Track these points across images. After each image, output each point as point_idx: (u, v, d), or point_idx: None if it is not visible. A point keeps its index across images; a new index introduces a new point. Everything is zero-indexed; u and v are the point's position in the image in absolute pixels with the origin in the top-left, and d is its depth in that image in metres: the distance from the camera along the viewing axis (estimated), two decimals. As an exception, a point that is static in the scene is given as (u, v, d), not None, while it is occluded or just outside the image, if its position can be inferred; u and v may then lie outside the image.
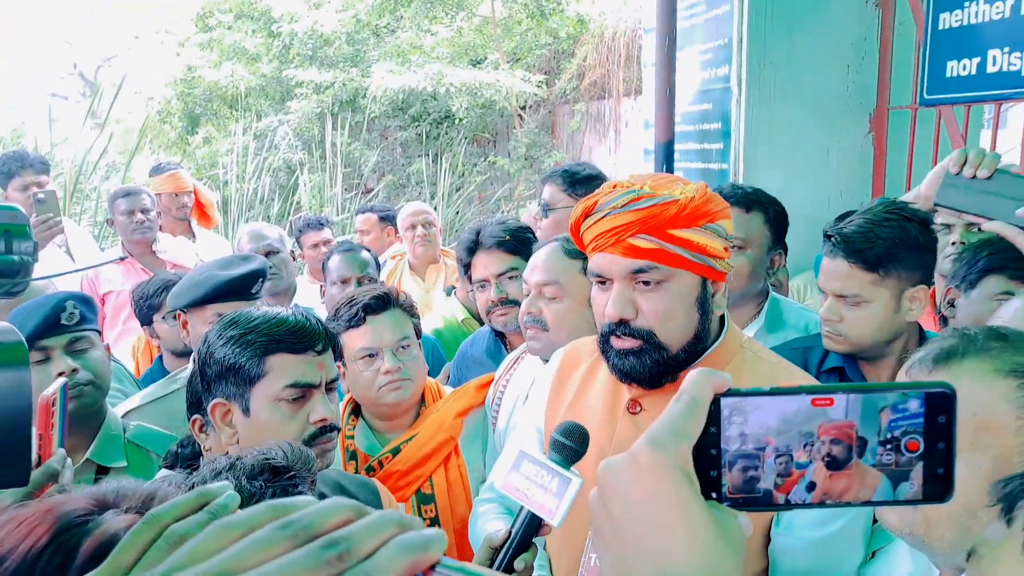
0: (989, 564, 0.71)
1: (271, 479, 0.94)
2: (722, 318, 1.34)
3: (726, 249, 1.27)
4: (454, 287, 3.34)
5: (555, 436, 1.03)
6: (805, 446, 0.50)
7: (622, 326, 1.26)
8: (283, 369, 1.29)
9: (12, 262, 0.59)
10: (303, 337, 1.31)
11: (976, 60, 2.74)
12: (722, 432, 0.52)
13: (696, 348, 1.28)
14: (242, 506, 0.52)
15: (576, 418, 1.13)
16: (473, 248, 2.17)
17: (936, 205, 1.69)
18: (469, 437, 1.84)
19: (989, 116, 3.41)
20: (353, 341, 1.78)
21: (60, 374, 1.60)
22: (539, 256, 1.77)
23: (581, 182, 2.45)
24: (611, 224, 1.23)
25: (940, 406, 0.50)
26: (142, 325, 2.61)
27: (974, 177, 1.63)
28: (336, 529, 0.38)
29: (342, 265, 2.69)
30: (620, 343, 1.26)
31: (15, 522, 0.62)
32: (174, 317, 2.34)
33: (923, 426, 0.50)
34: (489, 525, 1.48)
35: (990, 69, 2.68)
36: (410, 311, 1.84)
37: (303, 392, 1.31)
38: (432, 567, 0.37)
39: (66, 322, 1.68)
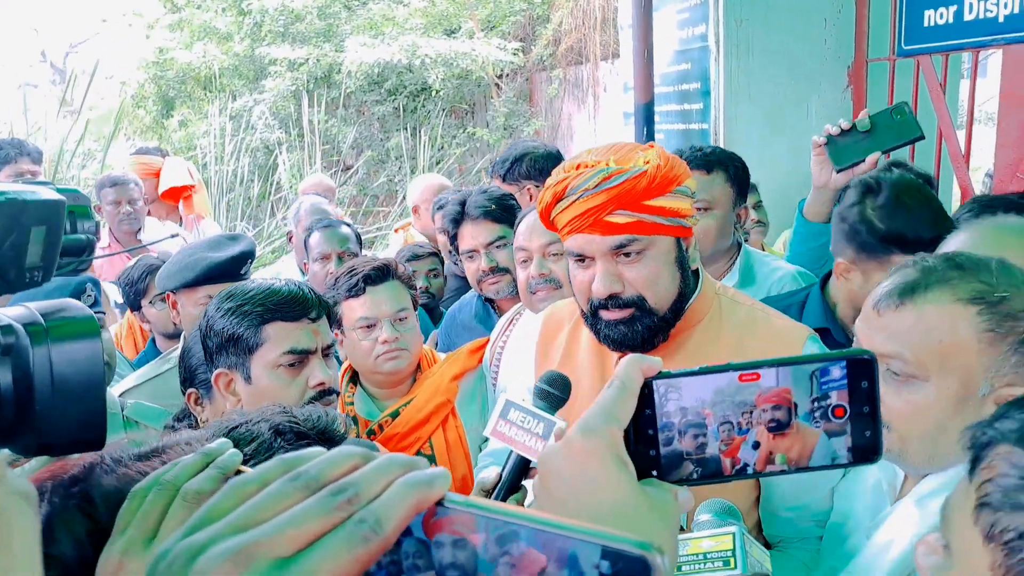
0: (952, 526, 0.73)
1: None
2: (696, 271, 1.38)
3: (692, 205, 1.31)
4: None
5: (539, 385, 1.08)
6: (743, 414, 0.53)
7: (612, 299, 1.28)
8: (279, 336, 1.36)
9: (79, 241, 0.61)
10: (296, 305, 1.38)
11: (953, 8, 2.74)
12: (657, 412, 0.54)
13: (681, 305, 1.32)
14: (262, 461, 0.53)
15: (568, 375, 1.16)
16: (459, 219, 2.17)
17: (839, 170, 1.91)
18: (465, 399, 1.89)
19: (967, 65, 3.42)
20: (352, 311, 1.82)
21: None
22: (536, 220, 1.76)
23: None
24: (586, 206, 1.23)
25: (861, 372, 0.53)
26: (131, 311, 2.60)
27: (844, 132, 1.90)
28: (344, 476, 0.39)
29: (323, 241, 2.67)
30: (610, 315, 1.29)
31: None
32: (162, 300, 2.33)
33: (847, 391, 0.53)
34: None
35: (967, 17, 2.69)
36: (408, 283, 1.88)
37: (300, 358, 1.37)
38: (438, 503, 0.38)
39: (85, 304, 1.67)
